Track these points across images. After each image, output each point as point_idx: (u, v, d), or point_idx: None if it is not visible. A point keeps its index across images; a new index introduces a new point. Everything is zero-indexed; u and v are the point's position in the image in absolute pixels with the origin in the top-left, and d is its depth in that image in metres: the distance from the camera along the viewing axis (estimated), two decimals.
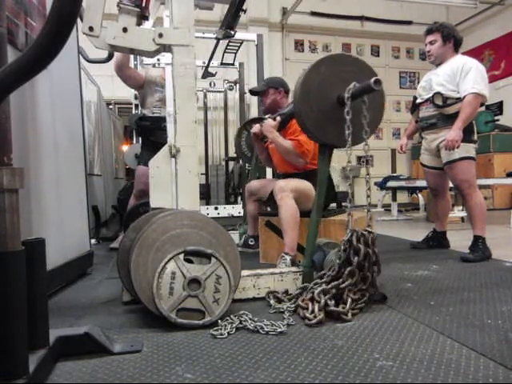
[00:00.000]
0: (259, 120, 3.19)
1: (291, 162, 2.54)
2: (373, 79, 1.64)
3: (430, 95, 2.74)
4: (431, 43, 2.78)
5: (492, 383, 1.01)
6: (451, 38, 2.73)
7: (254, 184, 2.94)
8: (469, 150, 2.64)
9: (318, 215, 1.88)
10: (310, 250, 1.85)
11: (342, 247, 1.63)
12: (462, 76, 2.60)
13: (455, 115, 2.61)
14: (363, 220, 2.74)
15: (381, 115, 1.91)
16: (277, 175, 2.87)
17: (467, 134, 2.61)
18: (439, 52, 2.76)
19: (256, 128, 2.67)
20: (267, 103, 2.78)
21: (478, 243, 2.64)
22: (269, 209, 2.98)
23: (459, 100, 2.62)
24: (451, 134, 2.56)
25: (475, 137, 2.70)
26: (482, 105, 2.71)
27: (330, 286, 1.58)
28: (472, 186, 2.66)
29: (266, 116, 2.77)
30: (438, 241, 3.06)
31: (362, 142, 1.79)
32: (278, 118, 2.50)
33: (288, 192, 2.33)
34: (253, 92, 2.89)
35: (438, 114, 2.73)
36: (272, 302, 1.67)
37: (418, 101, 2.91)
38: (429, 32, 2.80)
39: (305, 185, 2.46)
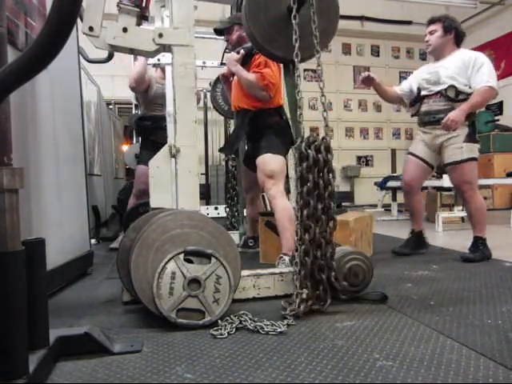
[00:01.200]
0: None
1: (256, 96, 2.43)
2: None
3: (442, 88, 2.61)
4: (431, 33, 2.70)
5: (492, 383, 1.01)
6: (452, 30, 2.66)
7: (243, 184, 2.98)
8: (474, 149, 2.60)
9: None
10: None
11: (296, 155, 1.61)
12: (474, 70, 2.53)
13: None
14: (363, 220, 2.74)
15: (335, 25, 1.84)
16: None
17: (473, 134, 2.58)
18: (438, 42, 2.68)
19: (223, 69, 2.63)
20: (233, 40, 2.65)
21: (479, 244, 2.63)
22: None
23: (470, 96, 2.54)
24: (454, 113, 2.46)
25: (477, 136, 2.66)
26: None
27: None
28: (473, 187, 2.61)
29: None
30: (418, 241, 2.88)
31: (313, 53, 1.70)
32: (242, 51, 2.42)
33: (279, 191, 2.27)
34: (217, 31, 2.73)
35: (450, 109, 2.57)
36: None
37: (425, 93, 2.72)
38: (430, 22, 2.73)
39: (279, 162, 2.35)
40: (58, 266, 1.97)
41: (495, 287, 1.93)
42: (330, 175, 1.61)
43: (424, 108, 2.74)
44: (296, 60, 1.67)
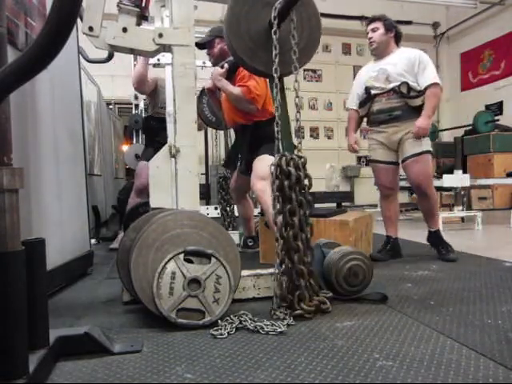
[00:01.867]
0: None
1: (244, 109, 2.45)
2: None
3: (395, 85, 2.58)
4: (373, 30, 2.69)
5: (492, 383, 1.01)
6: (393, 29, 2.68)
7: (231, 185, 2.95)
8: (429, 143, 2.60)
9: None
10: None
11: (274, 172, 1.61)
12: (420, 68, 2.54)
13: (420, 108, 2.55)
14: (363, 220, 2.74)
15: (316, 40, 1.80)
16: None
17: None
18: (381, 39, 2.67)
19: (208, 83, 2.61)
20: (215, 54, 2.64)
21: (441, 237, 2.60)
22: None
23: (421, 93, 2.55)
24: (421, 121, 2.48)
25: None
26: None
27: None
28: (432, 182, 2.62)
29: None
30: (396, 249, 2.76)
31: (292, 68, 1.67)
32: (226, 65, 2.42)
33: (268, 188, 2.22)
34: (199, 45, 2.66)
35: (403, 105, 2.58)
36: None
37: (376, 91, 2.67)
38: (371, 20, 2.73)
39: None
40: (58, 265, 1.97)
41: (495, 287, 1.93)
42: (308, 195, 1.62)
43: (376, 107, 2.68)
44: (275, 75, 1.66)
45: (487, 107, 7.80)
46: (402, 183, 5.52)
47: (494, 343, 1.26)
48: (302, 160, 1.62)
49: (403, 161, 2.62)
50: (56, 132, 2.09)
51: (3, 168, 0.94)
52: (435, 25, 8.95)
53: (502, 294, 1.82)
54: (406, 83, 2.56)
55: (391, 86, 2.60)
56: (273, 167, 1.62)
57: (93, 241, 3.21)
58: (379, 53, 2.72)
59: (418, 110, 2.57)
